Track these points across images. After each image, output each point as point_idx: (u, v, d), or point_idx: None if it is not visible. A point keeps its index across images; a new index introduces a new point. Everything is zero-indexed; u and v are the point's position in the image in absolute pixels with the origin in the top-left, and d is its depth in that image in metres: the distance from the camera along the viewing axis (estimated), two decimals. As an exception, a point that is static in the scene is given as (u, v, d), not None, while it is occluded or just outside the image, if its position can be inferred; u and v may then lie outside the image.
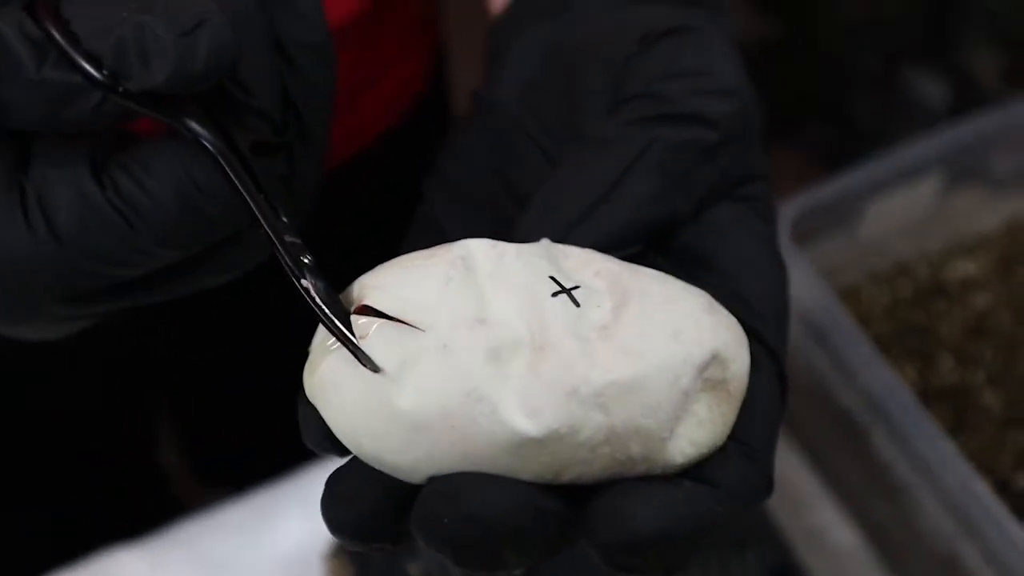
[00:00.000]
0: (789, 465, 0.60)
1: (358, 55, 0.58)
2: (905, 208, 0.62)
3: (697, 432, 0.28)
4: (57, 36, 0.27)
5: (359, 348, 0.27)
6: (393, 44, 0.60)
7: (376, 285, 0.28)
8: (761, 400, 0.30)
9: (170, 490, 0.80)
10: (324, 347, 0.28)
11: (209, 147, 0.28)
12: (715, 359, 0.28)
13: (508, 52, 0.35)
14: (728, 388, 0.28)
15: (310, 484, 0.59)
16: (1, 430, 0.63)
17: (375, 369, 0.27)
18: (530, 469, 0.27)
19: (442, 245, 0.29)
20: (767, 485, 0.29)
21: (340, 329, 0.27)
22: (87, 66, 0.27)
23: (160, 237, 0.28)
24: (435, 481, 0.27)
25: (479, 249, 0.28)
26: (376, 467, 0.27)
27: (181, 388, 0.74)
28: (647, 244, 0.31)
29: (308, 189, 0.31)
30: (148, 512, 0.64)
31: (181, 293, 0.31)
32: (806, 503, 0.59)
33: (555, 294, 0.28)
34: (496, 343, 0.27)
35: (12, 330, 0.31)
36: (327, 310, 0.27)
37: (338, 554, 0.54)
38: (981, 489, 0.51)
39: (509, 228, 0.32)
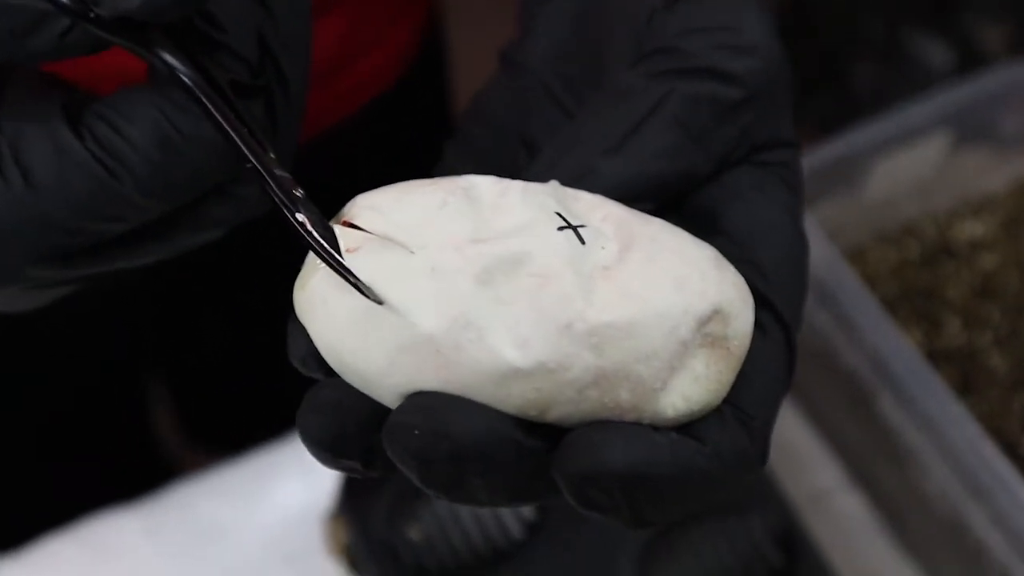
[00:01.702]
0: (793, 428, 0.60)
1: (355, 17, 0.57)
2: (912, 168, 0.62)
3: (692, 387, 0.27)
4: None
5: (361, 282, 0.26)
6: (390, 5, 0.59)
7: (369, 205, 0.27)
8: (765, 368, 0.29)
9: (164, 455, 0.80)
10: (315, 263, 0.27)
11: (185, 79, 0.27)
12: (717, 314, 0.27)
13: (537, 15, 0.34)
14: (728, 346, 0.27)
15: (307, 447, 0.58)
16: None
17: (378, 301, 0.26)
18: (514, 403, 0.26)
19: (447, 177, 0.28)
20: (760, 455, 0.28)
21: (340, 263, 0.26)
22: None
23: (143, 185, 0.27)
24: (415, 395, 0.26)
25: (483, 182, 0.28)
26: (358, 387, 0.27)
27: (176, 352, 0.74)
28: (662, 202, 0.30)
29: (291, 138, 0.30)
30: (143, 475, 0.64)
31: (164, 255, 0.30)
32: (810, 466, 0.59)
33: (560, 228, 0.27)
34: (490, 264, 0.26)
35: None
36: (325, 244, 0.26)
37: (336, 517, 0.54)
38: (989, 451, 0.50)
39: None
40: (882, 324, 0.53)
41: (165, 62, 0.27)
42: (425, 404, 0.26)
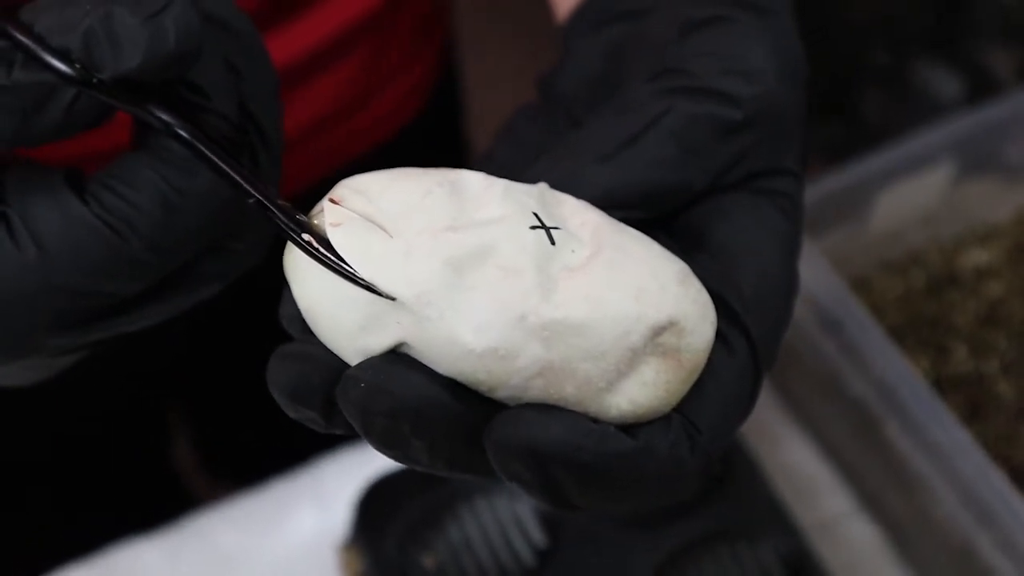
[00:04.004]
0: (802, 455, 0.60)
1: (372, 55, 0.58)
2: (917, 197, 0.62)
3: (639, 392, 0.28)
4: (21, 37, 0.27)
5: (366, 282, 0.27)
6: (407, 41, 0.60)
7: (358, 188, 0.29)
8: (725, 386, 0.29)
9: (183, 484, 0.81)
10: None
11: (181, 131, 0.28)
12: (672, 326, 0.28)
13: (574, 48, 0.36)
14: (680, 358, 0.28)
15: (323, 477, 0.59)
16: (18, 427, 0.64)
17: (391, 298, 0.27)
18: (465, 380, 0.28)
19: (440, 168, 0.30)
20: (700, 467, 0.29)
21: (349, 273, 0.28)
22: (57, 62, 0.27)
23: (150, 243, 0.29)
24: (377, 356, 0.28)
25: (471, 176, 0.29)
26: (329, 348, 0.28)
27: (195, 383, 0.74)
28: (653, 214, 0.31)
29: (275, 186, 0.32)
30: (163, 505, 0.64)
31: (167, 314, 0.31)
32: (820, 493, 0.59)
33: (533, 227, 0.28)
34: (459, 252, 0.27)
35: (5, 372, 0.31)
36: (333, 259, 0.28)
37: (350, 545, 0.54)
38: (997, 478, 0.51)
39: None
40: (889, 352, 0.53)
41: (161, 119, 0.28)
42: (375, 362, 0.27)
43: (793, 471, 0.59)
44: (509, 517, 0.54)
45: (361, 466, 0.58)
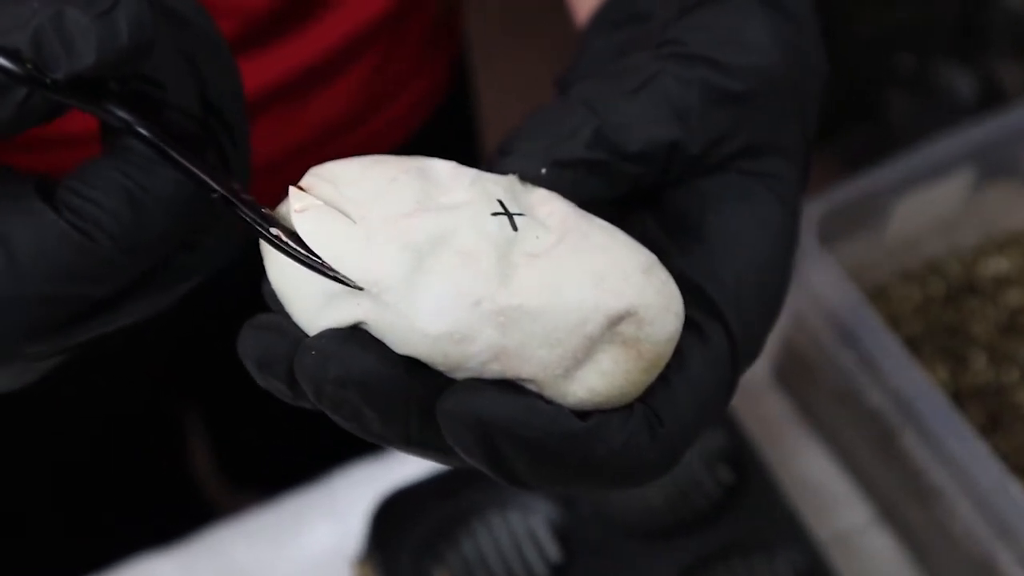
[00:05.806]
0: (819, 467, 0.60)
1: (384, 60, 0.58)
2: (935, 205, 0.62)
3: (597, 381, 0.28)
4: None
5: (340, 275, 0.28)
6: (418, 45, 0.60)
7: (326, 176, 0.29)
8: (695, 378, 0.29)
9: (201, 496, 0.81)
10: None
11: (140, 129, 0.28)
12: (631, 316, 0.28)
13: (589, 47, 0.36)
14: (640, 348, 0.28)
15: (338, 491, 0.59)
16: (35, 437, 0.64)
17: (352, 285, 0.28)
18: (423, 362, 0.28)
19: (410, 156, 0.30)
20: (661, 459, 0.28)
21: (318, 265, 0.28)
22: (6, 61, 0.27)
23: (121, 245, 0.29)
24: (333, 328, 0.28)
25: (441, 164, 0.29)
26: (298, 324, 0.29)
27: (213, 394, 0.75)
28: (643, 186, 0.31)
29: (244, 180, 0.32)
30: (179, 518, 0.65)
31: (143, 313, 0.31)
32: (836, 505, 0.59)
33: (495, 214, 0.28)
34: (419, 237, 0.28)
35: None
36: (303, 252, 0.28)
37: (365, 560, 0.54)
38: (1015, 490, 0.50)
39: None
40: (905, 363, 0.53)
41: (119, 117, 0.28)
42: (330, 334, 0.28)
43: (809, 483, 0.59)
44: (523, 531, 0.54)
45: (375, 480, 0.58)
